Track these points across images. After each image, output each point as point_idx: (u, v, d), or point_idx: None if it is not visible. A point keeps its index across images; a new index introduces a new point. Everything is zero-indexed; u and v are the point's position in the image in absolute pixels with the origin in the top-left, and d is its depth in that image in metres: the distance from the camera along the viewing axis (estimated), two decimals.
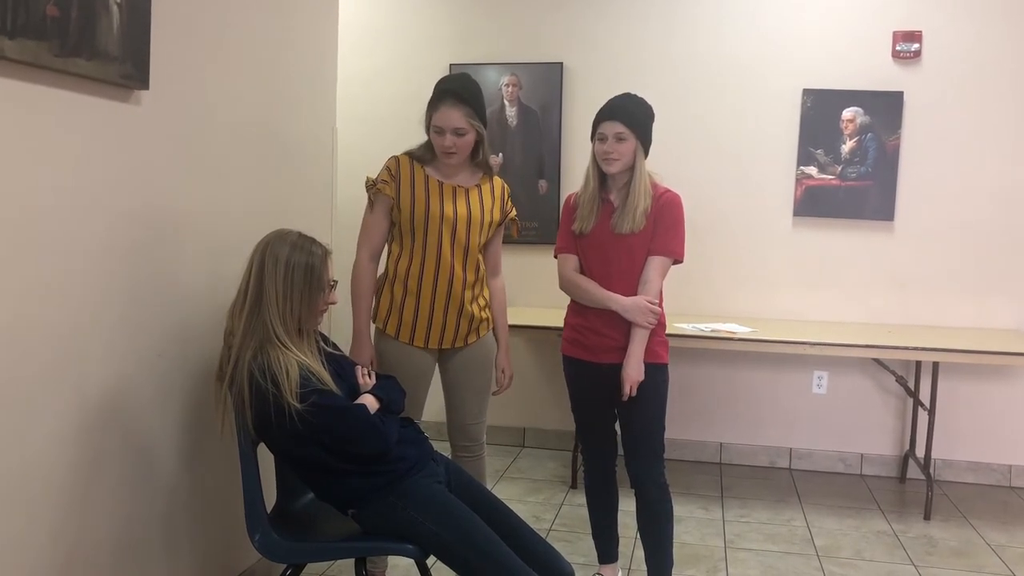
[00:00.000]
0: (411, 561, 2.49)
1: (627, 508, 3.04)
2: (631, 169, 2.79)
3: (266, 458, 2.36)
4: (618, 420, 2.96)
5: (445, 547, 2.25)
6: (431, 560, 2.44)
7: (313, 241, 2.33)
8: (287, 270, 2.25)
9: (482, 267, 2.95)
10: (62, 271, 1.99)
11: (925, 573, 3.35)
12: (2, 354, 1.82)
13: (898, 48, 4.44)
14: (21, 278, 1.86)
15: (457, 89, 2.80)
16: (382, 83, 4.96)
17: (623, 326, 2.81)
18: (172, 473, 2.49)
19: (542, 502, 4.04)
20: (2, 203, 1.80)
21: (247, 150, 2.78)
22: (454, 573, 2.32)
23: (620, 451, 2.99)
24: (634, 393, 2.78)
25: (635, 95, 2.85)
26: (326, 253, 2.35)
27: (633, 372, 2.77)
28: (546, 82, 4.78)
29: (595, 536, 3.14)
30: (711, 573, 3.30)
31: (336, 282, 2.38)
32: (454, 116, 2.75)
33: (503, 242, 3.07)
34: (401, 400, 2.48)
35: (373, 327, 2.95)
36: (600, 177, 2.85)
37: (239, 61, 2.71)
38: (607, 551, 3.14)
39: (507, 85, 4.82)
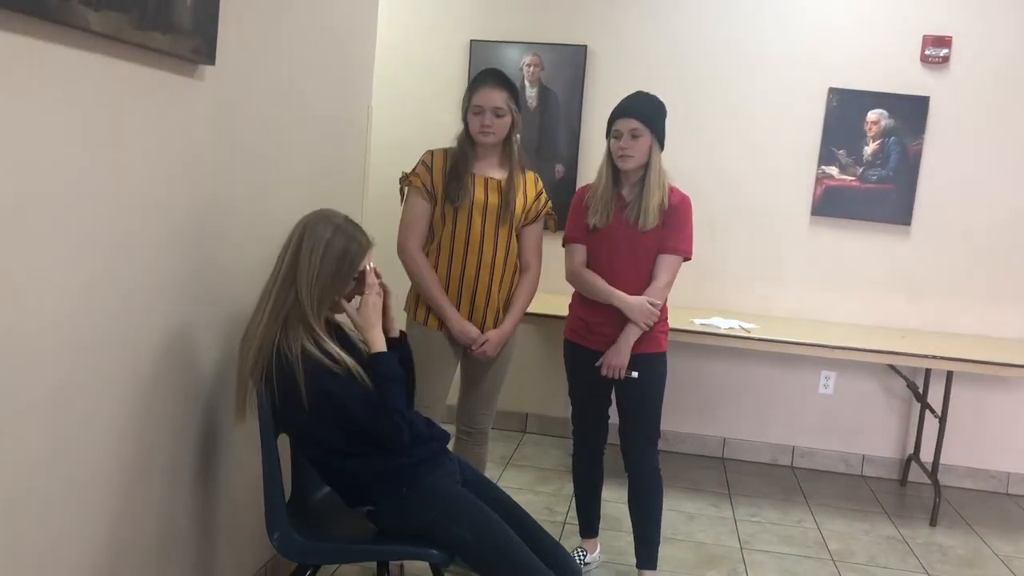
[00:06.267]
0: None
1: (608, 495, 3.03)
2: (645, 165, 2.85)
3: (284, 450, 2.29)
4: (616, 405, 3.05)
5: (466, 547, 2.21)
6: None
7: (358, 228, 2.23)
8: (324, 251, 2.14)
9: (512, 257, 2.98)
10: (123, 255, 1.88)
11: None
12: (58, 348, 1.71)
13: (927, 52, 4.42)
14: (90, 255, 1.76)
15: (499, 73, 2.92)
16: (399, 58, 4.79)
17: (625, 321, 2.88)
18: (211, 464, 2.40)
19: (552, 493, 4.01)
20: (76, 185, 1.68)
21: (292, 128, 2.66)
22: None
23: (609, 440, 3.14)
24: (614, 376, 2.89)
25: (648, 93, 2.93)
26: (369, 245, 2.24)
27: (618, 359, 2.87)
28: (569, 65, 4.68)
29: (579, 513, 3.29)
30: None
31: (362, 273, 2.22)
32: (495, 96, 2.84)
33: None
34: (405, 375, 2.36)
35: (405, 318, 2.95)
36: (614, 174, 2.91)
37: (291, 37, 2.58)
38: (589, 526, 3.28)
39: (528, 65, 4.71)
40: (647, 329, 2.87)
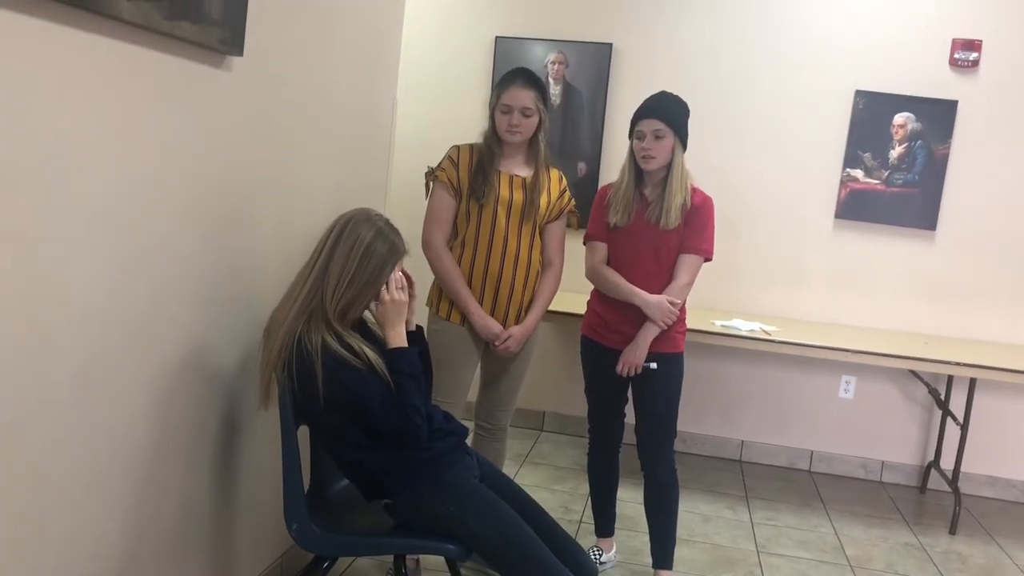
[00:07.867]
0: None
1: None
2: (668, 165, 2.85)
3: (304, 442, 2.29)
4: (633, 404, 3.05)
5: (483, 542, 2.20)
6: None
7: (397, 234, 2.24)
8: (364, 254, 2.15)
9: (536, 254, 2.98)
10: (149, 244, 1.89)
11: None
12: (83, 333, 1.72)
13: (956, 56, 4.37)
14: (114, 247, 1.77)
15: (528, 73, 2.92)
16: (425, 53, 4.79)
17: (643, 320, 2.88)
18: (231, 454, 2.41)
19: (569, 491, 4.00)
20: (103, 173, 1.69)
21: (318, 120, 2.67)
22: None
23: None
24: (629, 373, 2.90)
25: (671, 93, 2.92)
26: (406, 252, 2.25)
27: (634, 357, 2.87)
28: (594, 63, 4.67)
29: (595, 512, 3.28)
30: None
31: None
32: (524, 96, 2.85)
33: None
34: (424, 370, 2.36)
35: (427, 312, 2.98)
36: (637, 174, 2.92)
37: (318, 30, 2.59)
38: (605, 525, 3.28)
39: (553, 63, 4.70)
40: (665, 328, 2.87)
